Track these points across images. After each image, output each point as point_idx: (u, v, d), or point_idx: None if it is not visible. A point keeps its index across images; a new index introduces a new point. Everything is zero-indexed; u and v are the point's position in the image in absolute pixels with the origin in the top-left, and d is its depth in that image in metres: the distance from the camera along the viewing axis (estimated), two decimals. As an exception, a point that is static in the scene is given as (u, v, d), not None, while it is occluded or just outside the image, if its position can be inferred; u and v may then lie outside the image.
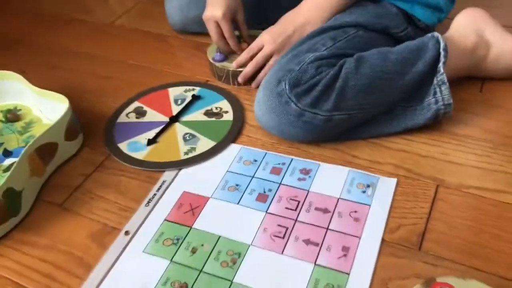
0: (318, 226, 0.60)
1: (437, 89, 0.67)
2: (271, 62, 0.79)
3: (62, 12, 1.15)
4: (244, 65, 0.81)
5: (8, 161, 0.73)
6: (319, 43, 0.70)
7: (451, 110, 0.68)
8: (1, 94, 0.83)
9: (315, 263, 0.56)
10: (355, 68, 0.66)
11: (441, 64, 0.67)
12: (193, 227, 0.62)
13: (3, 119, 0.81)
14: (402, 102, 0.69)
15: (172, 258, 0.58)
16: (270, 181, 0.67)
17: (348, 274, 0.54)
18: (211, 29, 0.82)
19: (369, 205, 0.62)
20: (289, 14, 0.78)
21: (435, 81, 0.67)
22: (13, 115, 0.81)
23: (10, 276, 0.58)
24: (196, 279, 0.56)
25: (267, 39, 0.78)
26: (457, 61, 0.72)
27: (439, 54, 0.68)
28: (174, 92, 0.84)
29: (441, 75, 0.67)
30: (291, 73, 0.67)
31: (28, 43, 1.05)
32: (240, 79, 0.82)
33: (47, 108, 0.79)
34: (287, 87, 0.66)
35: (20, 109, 0.83)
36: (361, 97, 0.66)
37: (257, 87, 0.80)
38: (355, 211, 0.61)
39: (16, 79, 0.81)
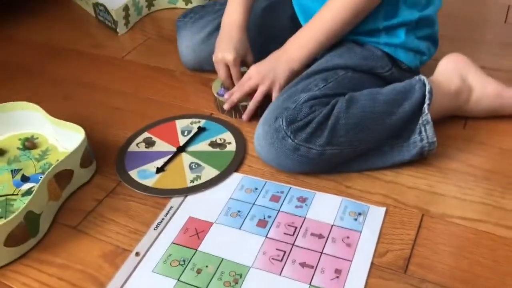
0: (313, 250, 0.66)
1: (422, 128, 0.74)
2: (257, 93, 0.84)
3: (75, 45, 1.22)
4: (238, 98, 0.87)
5: (26, 186, 0.79)
6: (312, 83, 0.77)
7: (435, 148, 0.75)
8: (20, 123, 0.89)
9: (310, 283, 0.61)
10: (346, 108, 0.72)
11: (426, 106, 0.74)
12: (198, 249, 0.67)
13: (21, 147, 0.87)
14: (390, 140, 0.75)
15: (179, 278, 0.63)
16: (270, 208, 0.73)
17: (340, 294, 0.60)
18: (221, 71, 0.89)
19: (360, 232, 0.68)
20: (276, 52, 0.84)
21: (420, 121, 0.74)
22: (30, 143, 0.87)
23: (29, 292, 0.63)
24: (201, 298, 0.61)
25: (254, 73, 0.84)
26: (442, 103, 0.79)
27: (424, 96, 0.74)
28: (181, 124, 0.90)
29: (426, 115, 0.74)
30: (287, 111, 0.73)
31: (41, 73, 1.12)
32: (225, 106, 0.88)
33: (62, 137, 0.85)
34: (284, 123, 0.72)
35: (37, 138, 0.89)
36: (351, 135, 0.72)
37: (248, 119, 0.87)
38: (347, 237, 0.67)
39: (34, 109, 0.87)
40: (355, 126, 0.72)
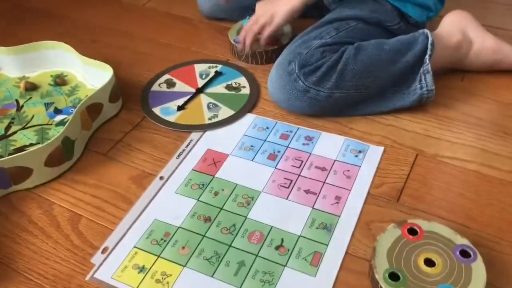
0: (317, 180, 0.74)
1: (422, 77, 0.81)
2: (254, 24, 0.89)
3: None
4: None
5: (58, 117, 0.87)
6: (324, 31, 0.83)
7: (433, 96, 0.82)
8: (51, 61, 0.96)
9: (312, 207, 0.70)
10: (354, 54, 0.79)
11: (427, 56, 0.80)
12: (215, 176, 0.76)
13: (52, 83, 0.94)
14: (392, 87, 0.82)
15: (198, 198, 0.72)
16: (279, 144, 0.81)
17: (339, 216, 0.68)
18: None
19: (359, 166, 0.76)
20: None
21: (421, 70, 0.81)
22: (61, 80, 0.94)
23: (68, 206, 0.72)
24: (217, 214, 0.70)
25: (258, 9, 0.89)
26: (442, 54, 0.85)
27: (427, 47, 0.81)
28: (199, 68, 0.97)
29: (427, 66, 0.80)
30: (300, 56, 0.80)
31: (67, 18, 1.18)
32: (240, 47, 0.93)
33: (90, 75, 0.92)
34: (296, 67, 0.79)
35: (66, 75, 0.96)
36: (357, 79, 0.79)
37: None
38: (348, 170, 0.75)
39: (64, 48, 0.94)
40: (361, 72, 0.79)
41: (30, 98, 0.91)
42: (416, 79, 0.81)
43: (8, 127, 0.85)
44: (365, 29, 0.86)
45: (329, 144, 0.80)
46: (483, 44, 0.88)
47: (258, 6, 0.90)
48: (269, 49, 0.95)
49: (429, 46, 0.80)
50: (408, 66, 0.81)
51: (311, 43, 0.81)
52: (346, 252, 0.64)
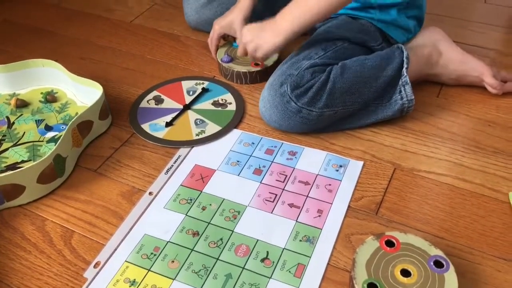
0: (300, 194, 0.78)
1: (402, 88, 0.85)
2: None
3: (86, 9, 1.30)
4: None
5: (49, 134, 0.89)
6: (313, 52, 0.87)
7: (413, 105, 0.86)
8: (41, 79, 0.99)
9: (296, 220, 0.73)
10: (340, 73, 0.83)
11: (404, 69, 0.85)
12: (203, 191, 0.79)
13: (43, 100, 0.97)
14: (375, 100, 0.87)
15: (187, 213, 0.75)
16: (264, 159, 0.84)
17: (321, 229, 0.72)
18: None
19: (340, 180, 0.80)
20: (268, 21, 0.88)
21: (400, 82, 0.85)
22: (51, 97, 0.96)
23: (60, 222, 0.74)
24: (205, 228, 0.73)
25: (245, 33, 0.90)
26: (417, 65, 0.91)
27: (403, 61, 0.86)
28: (186, 84, 1.01)
29: (405, 77, 0.85)
30: (291, 77, 0.84)
31: (56, 35, 1.20)
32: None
33: (80, 93, 0.95)
34: (288, 89, 0.83)
35: (56, 92, 0.99)
36: (345, 97, 0.83)
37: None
38: (329, 184, 0.79)
39: (54, 66, 0.97)
40: (348, 89, 0.83)
41: (21, 115, 0.93)
42: (396, 91, 0.86)
43: (-1, 144, 0.87)
44: (350, 48, 0.90)
45: (312, 158, 0.84)
46: (452, 54, 0.94)
47: (246, 30, 0.91)
48: (253, 70, 0.99)
49: (405, 60, 0.86)
50: (388, 79, 0.86)
51: (301, 63, 0.85)
52: (328, 264, 0.67)
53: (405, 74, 0.85)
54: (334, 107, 0.83)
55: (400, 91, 0.86)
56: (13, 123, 0.91)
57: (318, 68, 0.84)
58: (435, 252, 0.64)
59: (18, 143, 0.87)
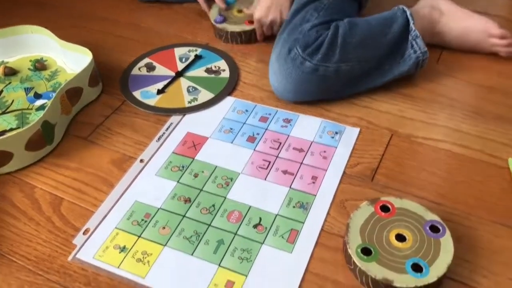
0: (294, 161, 0.76)
1: (413, 42, 0.84)
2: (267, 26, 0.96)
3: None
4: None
5: (38, 102, 0.87)
6: (308, 15, 0.85)
7: (427, 57, 0.84)
8: (30, 46, 0.96)
9: (290, 187, 0.72)
10: (349, 29, 0.82)
11: (411, 24, 0.84)
12: (195, 158, 0.77)
13: (32, 68, 0.94)
14: (388, 59, 0.85)
15: (178, 180, 0.73)
16: (258, 127, 0.82)
17: (315, 195, 0.71)
18: None
19: (336, 147, 0.78)
20: None
21: (410, 37, 0.84)
22: (40, 65, 0.94)
23: (49, 189, 0.73)
24: (197, 195, 0.71)
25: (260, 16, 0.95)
26: (419, 25, 0.88)
27: (407, 19, 0.84)
28: (179, 51, 0.98)
29: (414, 32, 0.84)
30: (298, 40, 0.82)
31: (50, 3, 1.17)
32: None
33: (70, 60, 0.92)
34: (299, 50, 0.81)
35: (46, 60, 0.96)
36: (358, 51, 0.82)
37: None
38: (324, 151, 0.77)
39: (43, 33, 0.94)
40: (359, 44, 0.82)
41: (10, 83, 0.91)
42: (407, 46, 0.85)
43: (-13, 112, 0.85)
44: (337, 3, 0.89)
45: (307, 126, 0.82)
46: (453, 11, 0.93)
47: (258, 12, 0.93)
48: (248, 29, 0.97)
49: (409, 17, 0.84)
50: (397, 35, 0.84)
51: (302, 27, 0.83)
52: (322, 230, 0.66)
53: (414, 28, 0.84)
54: (349, 61, 0.82)
55: (412, 45, 0.84)
56: (1, 91, 0.89)
57: (320, 27, 0.83)
58: (431, 217, 0.63)
59: (6, 111, 0.85)
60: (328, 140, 0.79)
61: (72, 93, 0.83)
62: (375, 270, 0.57)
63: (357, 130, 0.80)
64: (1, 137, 0.72)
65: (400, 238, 0.61)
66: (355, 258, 0.59)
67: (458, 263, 0.61)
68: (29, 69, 0.94)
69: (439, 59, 0.94)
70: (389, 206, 0.64)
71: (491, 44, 0.92)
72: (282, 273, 0.61)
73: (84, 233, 0.67)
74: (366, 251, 0.60)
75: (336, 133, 0.80)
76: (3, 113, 0.84)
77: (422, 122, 0.82)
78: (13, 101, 0.87)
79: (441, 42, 0.95)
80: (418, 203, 0.64)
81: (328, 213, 0.68)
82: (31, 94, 0.88)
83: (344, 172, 0.74)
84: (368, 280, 0.58)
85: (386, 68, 0.85)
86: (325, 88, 0.84)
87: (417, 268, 0.58)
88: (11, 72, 0.93)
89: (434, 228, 0.62)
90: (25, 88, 0.90)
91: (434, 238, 0.61)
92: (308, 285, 0.60)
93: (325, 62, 0.81)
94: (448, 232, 0.61)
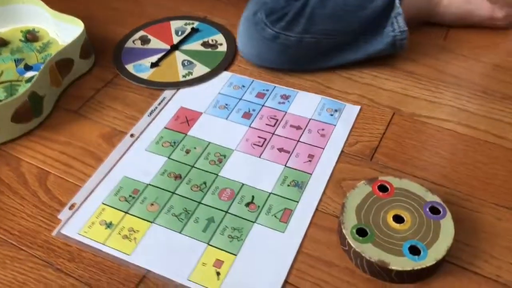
0: (291, 138, 0.73)
1: (394, 20, 0.78)
2: None
3: None
4: None
5: (29, 74, 0.84)
6: None
7: (406, 38, 0.79)
8: (21, 16, 0.93)
9: (285, 165, 0.69)
10: (320, 0, 0.77)
11: (397, 1, 0.78)
12: (187, 134, 0.74)
13: (23, 39, 0.91)
14: (364, 34, 0.80)
15: (169, 156, 0.71)
16: (255, 103, 0.79)
17: (311, 174, 0.68)
18: None
19: (335, 125, 0.74)
20: None
21: (392, 14, 0.78)
22: (32, 36, 0.91)
23: (36, 163, 0.70)
24: (188, 172, 0.68)
25: None
26: (415, 2, 0.83)
27: None
28: (175, 24, 0.94)
29: (398, 9, 0.78)
30: (265, 5, 0.78)
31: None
32: None
33: (63, 32, 0.89)
34: (263, 16, 0.77)
35: (38, 31, 0.93)
36: (327, 24, 0.77)
37: None
38: (323, 129, 0.74)
39: (34, 2, 0.91)
40: (330, 16, 0.77)
41: (0, 54, 0.88)
42: (388, 24, 0.79)
43: (-25, 84, 0.82)
44: None
45: (305, 103, 0.79)
46: None
47: None
48: None
49: None
50: (378, 11, 0.78)
51: None
52: (316, 209, 0.63)
53: (398, 5, 0.78)
54: (314, 34, 0.78)
55: (392, 23, 0.79)
56: (-9, 62, 0.87)
57: None
58: (431, 198, 0.60)
59: (-5, 82, 0.82)
60: (327, 118, 0.76)
61: (62, 64, 0.80)
62: (370, 251, 0.55)
63: (357, 108, 0.77)
64: (-14, 108, 0.69)
65: (398, 219, 0.58)
66: (349, 239, 0.56)
67: (459, 246, 0.58)
68: (20, 40, 0.91)
69: (446, 37, 0.90)
70: (388, 186, 0.61)
71: (495, 25, 0.88)
72: (274, 253, 0.59)
73: (70, 208, 0.64)
74: (361, 232, 0.57)
75: (336, 110, 0.77)
76: (-8, 84, 0.82)
77: (426, 101, 0.78)
78: (2, 72, 0.84)
79: (440, 21, 0.90)
80: (418, 184, 0.61)
81: (323, 193, 0.65)
82: (21, 65, 0.86)
83: (342, 151, 0.70)
84: (362, 262, 0.55)
85: (360, 44, 0.81)
86: (288, 58, 0.81)
87: (415, 250, 0.55)
88: (1, 43, 0.90)
89: (434, 210, 0.59)
90: (15, 60, 0.87)
91: (434, 220, 0.58)
92: (300, 266, 0.57)
93: (287, 31, 0.77)
94: (449, 214, 0.58)
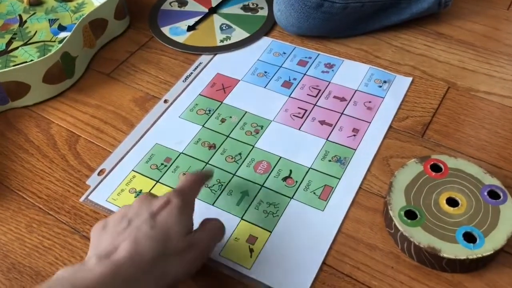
0: (334, 111, 0.67)
1: None
2: None
3: None
4: None
5: (62, 34, 0.81)
6: None
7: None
8: (57, -25, 0.90)
9: (327, 139, 0.64)
10: None
11: None
12: (223, 102, 0.70)
13: (58, -1, 0.88)
14: None
15: (204, 124, 0.67)
16: (296, 71, 0.74)
17: (355, 149, 0.62)
18: None
19: (383, 98, 0.68)
20: None
21: None
22: (67, -4, 0.88)
23: (66, 126, 0.68)
24: (223, 142, 0.64)
25: None
26: None
27: None
28: (214, -14, 0.89)
29: None
30: None
31: None
32: None
33: (98, -9, 0.86)
34: None
35: (73, -9, 0.90)
36: None
37: None
38: (369, 101, 0.68)
39: (70, -39, 0.87)
40: None
41: (34, 13, 0.86)
42: None
43: (9, 43, 0.80)
44: None
45: (352, 72, 0.73)
46: None
47: None
48: None
49: None
50: None
51: None
52: (360, 188, 0.58)
53: None
54: None
55: None
56: (25, 21, 0.84)
57: None
58: (491, 181, 0.54)
59: (28, 42, 0.80)
60: (375, 89, 0.70)
61: (96, 25, 0.76)
62: (419, 236, 0.49)
63: (409, 79, 0.71)
64: (18, 67, 0.66)
65: (452, 202, 0.52)
66: (396, 221, 0.51)
67: (520, 236, 0.52)
68: (55, 0, 0.88)
69: (510, 6, 0.82)
70: (441, 165, 0.55)
71: None
72: (312, 232, 0.54)
73: (99, 174, 0.62)
74: (410, 215, 0.52)
75: (385, 82, 0.71)
76: (25, 44, 0.79)
77: (485, 75, 0.71)
78: (36, 32, 0.81)
79: None
80: (475, 165, 0.55)
81: (368, 170, 0.60)
82: (55, 26, 0.83)
83: (390, 126, 0.65)
84: (410, 247, 0.50)
85: (403, 5, 0.75)
86: (330, 27, 0.75)
87: (470, 238, 0.49)
88: (36, 2, 0.87)
89: (493, 194, 0.53)
90: (49, 20, 0.84)
91: (493, 205, 0.52)
92: (340, 248, 0.53)
93: None
94: (510, 199, 0.52)
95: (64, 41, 0.70)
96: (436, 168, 0.55)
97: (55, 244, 0.55)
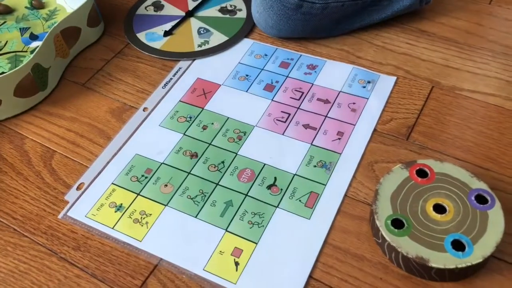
0: (318, 114, 0.66)
1: None
2: None
3: None
4: None
5: (34, 44, 0.78)
6: None
7: None
8: (27, -19, 0.86)
9: (311, 143, 0.62)
10: None
11: None
12: (205, 108, 0.68)
13: (29, 6, 0.85)
14: None
15: (185, 132, 0.65)
16: (278, 74, 0.72)
17: (340, 154, 0.61)
18: None
19: (367, 99, 0.67)
20: None
21: None
22: (37, 3, 0.84)
23: (40, 141, 0.65)
24: (205, 150, 0.62)
25: None
26: None
27: None
28: (191, -12, 0.87)
29: None
30: None
31: None
32: None
33: (70, -3, 0.83)
34: None
35: (44, -3, 0.87)
36: None
37: None
38: (354, 103, 0.67)
39: (40, -34, 0.84)
40: None
41: (4, 22, 0.82)
42: None
43: (-21, 54, 0.77)
44: None
45: (335, 73, 0.71)
46: None
47: None
48: None
49: None
50: None
51: None
52: (345, 195, 0.57)
53: None
54: None
55: None
56: (-5, 30, 0.81)
57: None
58: (478, 185, 0.53)
59: (-1, 52, 0.77)
60: (359, 90, 0.68)
61: (68, 33, 0.74)
62: (407, 246, 0.48)
63: (393, 79, 0.69)
64: (-13, 81, 0.64)
65: (439, 209, 0.51)
66: (383, 231, 0.50)
67: (509, 241, 0.51)
68: (26, 7, 0.85)
69: (491, 1, 0.81)
70: (427, 170, 0.54)
71: None
72: (298, 242, 0.53)
73: (77, 189, 0.59)
74: (397, 223, 0.50)
75: (369, 82, 0.69)
76: (-4, 54, 0.76)
77: (469, 73, 0.70)
78: (6, 42, 0.78)
79: None
80: (462, 168, 0.54)
81: (353, 177, 0.58)
82: (27, 35, 0.80)
83: (375, 129, 0.63)
84: (398, 257, 0.49)
85: (384, 3, 0.73)
86: (312, 27, 0.73)
87: (458, 245, 0.48)
88: (6, 10, 0.84)
89: (481, 199, 0.52)
90: (20, 29, 0.81)
91: (481, 210, 0.51)
92: (327, 260, 0.51)
93: None
94: (498, 204, 0.51)
95: (34, 52, 0.67)
96: (422, 173, 0.54)
97: (31, 268, 0.52)
